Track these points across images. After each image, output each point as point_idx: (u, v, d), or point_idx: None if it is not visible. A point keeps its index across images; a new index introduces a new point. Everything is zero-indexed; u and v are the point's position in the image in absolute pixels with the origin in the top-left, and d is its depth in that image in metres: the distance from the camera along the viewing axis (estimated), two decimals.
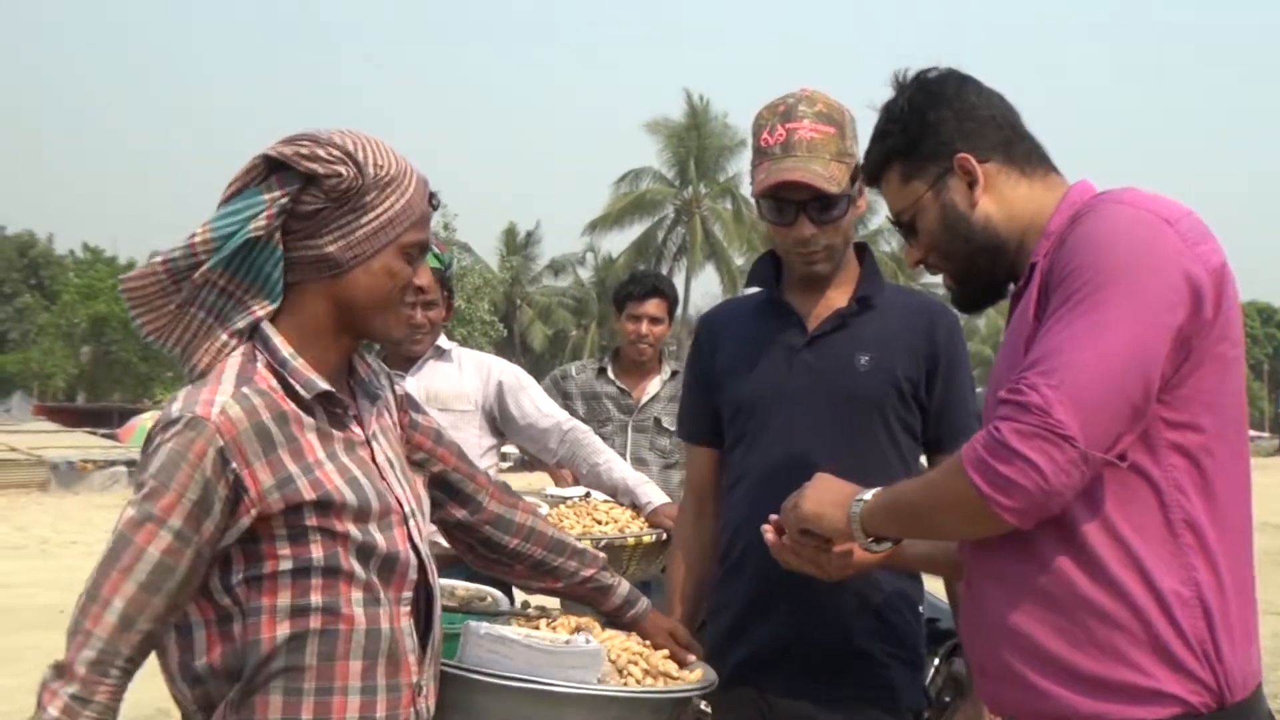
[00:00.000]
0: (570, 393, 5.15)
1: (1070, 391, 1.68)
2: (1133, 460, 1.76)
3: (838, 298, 2.63)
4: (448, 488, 2.23)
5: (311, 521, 1.83)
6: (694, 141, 52.43)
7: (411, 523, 1.97)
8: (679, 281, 51.83)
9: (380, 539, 1.89)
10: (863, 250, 2.71)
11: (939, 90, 2.02)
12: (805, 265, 2.59)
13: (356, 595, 1.86)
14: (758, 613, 2.58)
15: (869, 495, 2.01)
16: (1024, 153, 2.00)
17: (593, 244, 58.66)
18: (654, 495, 3.50)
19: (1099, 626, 1.76)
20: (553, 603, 2.69)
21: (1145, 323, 1.71)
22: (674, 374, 5.19)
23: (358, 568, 1.86)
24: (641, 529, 3.37)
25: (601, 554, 2.38)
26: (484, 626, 2.10)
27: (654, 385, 5.17)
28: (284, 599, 1.82)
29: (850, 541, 2.09)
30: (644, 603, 2.42)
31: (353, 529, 1.86)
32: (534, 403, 3.96)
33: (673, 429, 5.03)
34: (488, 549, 2.30)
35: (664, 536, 3.30)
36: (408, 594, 1.95)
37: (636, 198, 53.13)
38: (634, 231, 53.93)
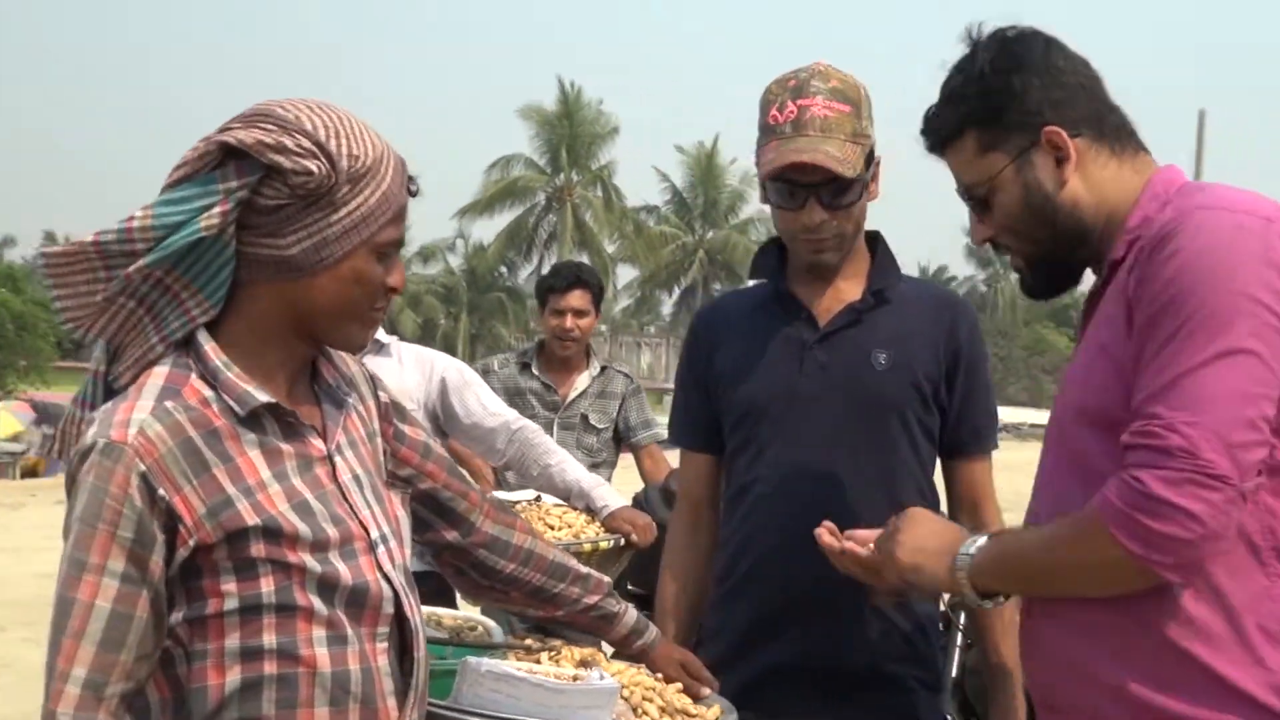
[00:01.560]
0: (492, 389, 4.88)
1: (1214, 426, 1.53)
2: None
3: (849, 290, 2.42)
4: (437, 507, 1.98)
5: (259, 551, 1.58)
6: (566, 129, 52.16)
7: (381, 550, 1.71)
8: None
9: (343, 569, 1.64)
10: (875, 239, 2.50)
11: (1024, 52, 1.81)
12: (812, 254, 2.37)
13: (318, 633, 1.62)
14: (765, 635, 2.37)
15: (975, 548, 1.80)
16: (1114, 127, 1.82)
17: (462, 230, 57.98)
18: (611, 498, 3.28)
19: (1170, 660, 1.63)
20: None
21: (1269, 339, 1.56)
22: (603, 369, 5.00)
23: (317, 602, 1.61)
24: (598, 534, 3.16)
25: (606, 578, 2.16)
26: (484, 662, 1.86)
27: (581, 381, 4.94)
28: (232, 641, 1.58)
29: (975, 601, 1.84)
30: (653, 631, 2.20)
31: (308, 559, 1.61)
32: (480, 400, 3.71)
33: (601, 426, 4.86)
34: (481, 574, 2.06)
35: (622, 542, 3.11)
36: (383, 629, 1.70)
37: (508, 185, 52.64)
38: (505, 218, 53.56)
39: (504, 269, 56.95)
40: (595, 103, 53.26)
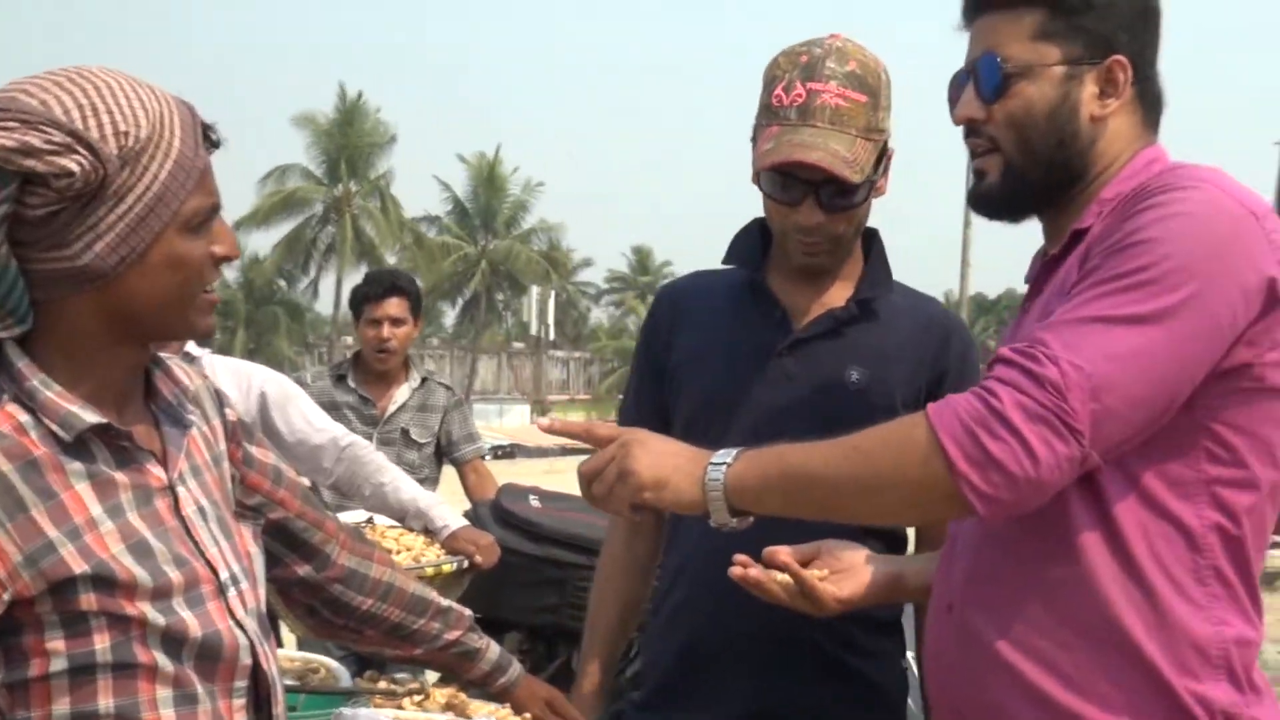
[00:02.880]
0: None
1: (1096, 380, 1.40)
2: (1165, 505, 1.51)
3: (834, 293, 2.16)
4: (289, 539, 1.75)
5: (89, 603, 1.34)
6: (344, 137, 51.03)
7: (232, 593, 1.49)
8: (328, 283, 50.56)
9: (190, 618, 1.41)
10: (871, 237, 2.22)
11: None
12: (803, 256, 2.11)
13: (163, 693, 1.39)
14: (702, 672, 2.12)
15: (734, 457, 1.61)
16: (1154, 96, 1.68)
17: (238, 243, 56.12)
18: (451, 517, 3.07)
19: (1109, 674, 1.51)
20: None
21: (1202, 331, 1.44)
22: (423, 381, 4.73)
23: (161, 658, 1.38)
24: (439, 556, 2.96)
25: (467, 611, 1.97)
26: (361, 713, 1.66)
27: (401, 393, 4.67)
28: (61, 707, 1.35)
29: (724, 518, 1.63)
30: (516, 668, 2.01)
31: (149, 610, 1.37)
32: (304, 415, 3.42)
33: (422, 441, 4.62)
34: (334, 612, 1.83)
35: (465, 564, 2.92)
36: (240, 683, 1.48)
37: (285, 196, 51.15)
38: (281, 230, 52.04)
39: (282, 282, 55.36)
40: (374, 111, 52.36)
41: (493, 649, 1.98)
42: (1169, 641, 1.50)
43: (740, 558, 1.81)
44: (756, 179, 2.12)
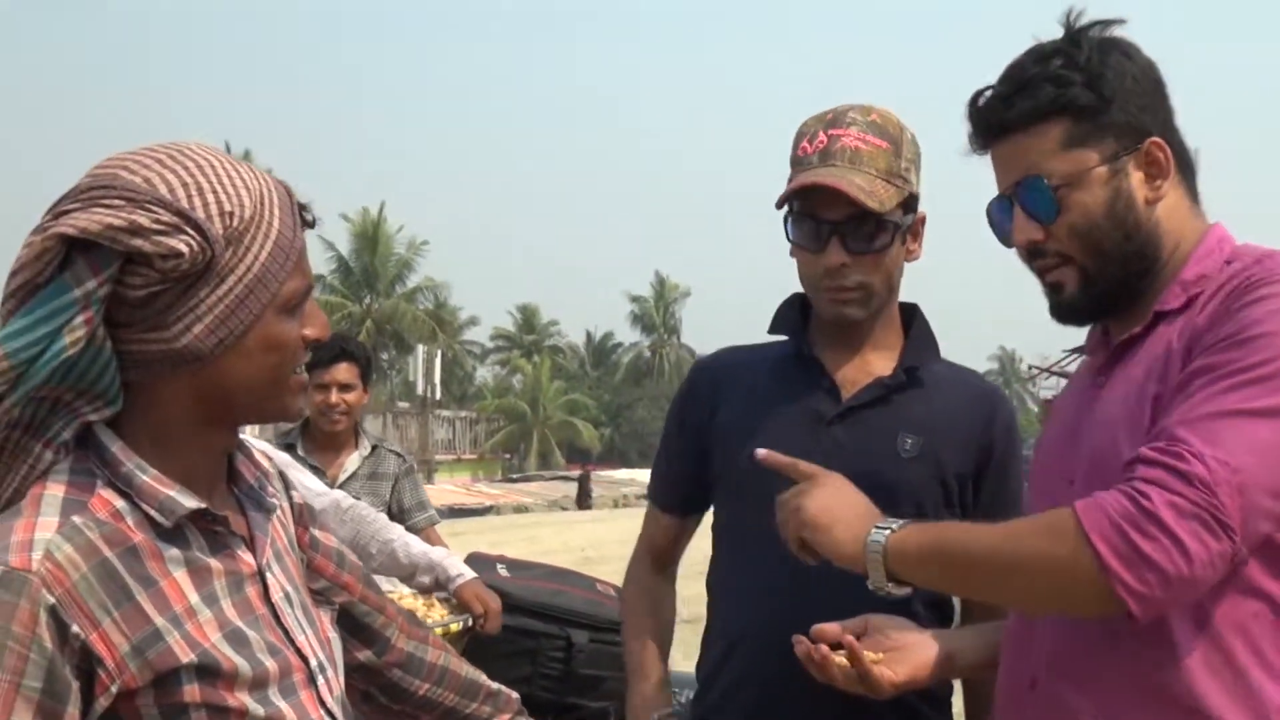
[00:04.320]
0: None
1: (1243, 475, 1.42)
2: (1254, 581, 1.53)
3: (879, 362, 2.16)
4: (352, 623, 1.72)
5: (192, 695, 1.30)
6: None
7: (320, 681, 1.47)
8: None
9: (286, 709, 1.38)
10: (913, 312, 2.24)
11: (1134, 54, 1.68)
12: (834, 305, 2.11)
13: None
14: None
15: (899, 525, 1.66)
16: (1188, 162, 1.72)
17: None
18: (464, 569, 3.10)
19: None
20: None
21: None
22: (374, 449, 4.66)
23: None
24: (443, 617, 2.99)
25: (515, 694, 1.94)
26: None
27: (351, 461, 4.60)
28: None
29: (881, 582, 1.67)
30: None
31: (249, 701, 1.34)
32: (302, 482, 3.32)
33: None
34: (391, 698, 1.80)
35: (469, 622, 2.93)
36: None
37: None
38: None
39: None
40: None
41: None
42: (1254, 716, 1.53)
43: (800, 637, 1.83)
44: (787, 233, 2.14)
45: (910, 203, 2.10)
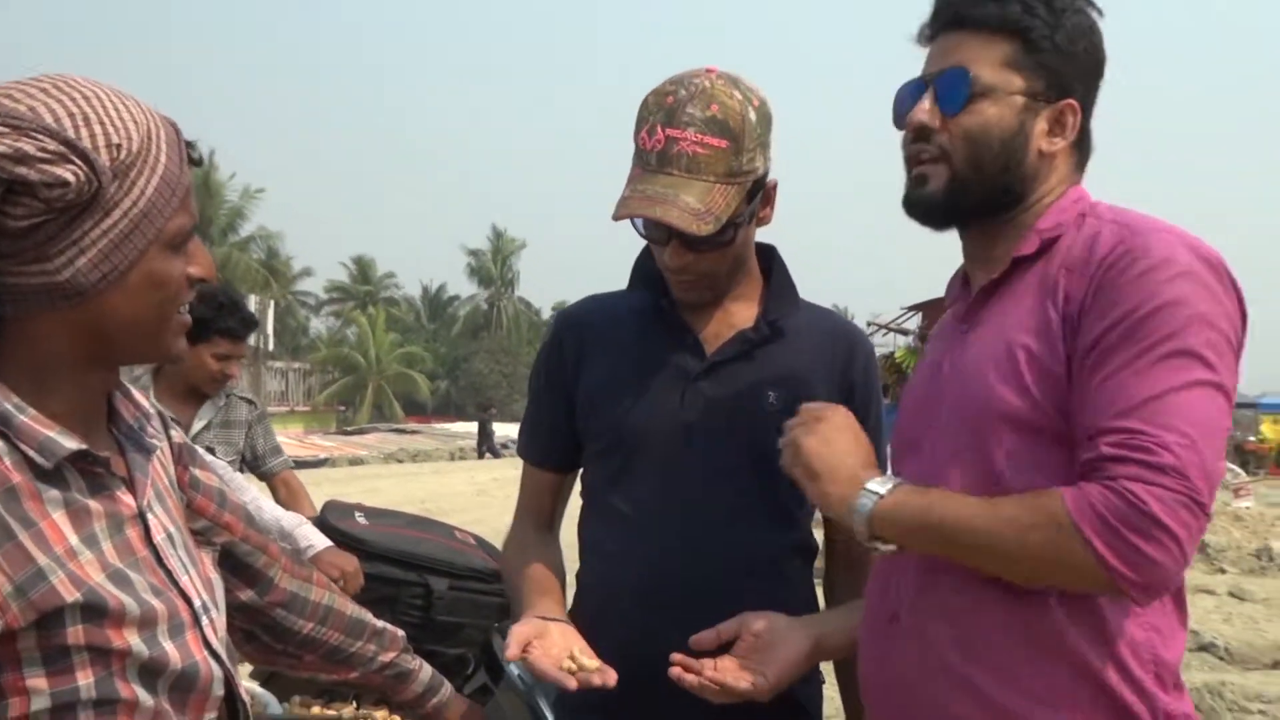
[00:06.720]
0: None
1: (1201, 454, 1.50)
2: None
3: (739, 313, 2.18)
4: (234, 563, 1.69)
5: (75, 637, 1.28)
6: None
7: (204, 621, 1.44)
8: None
9: (171, 650, 1.36)
10: (770, 256, 2.23)
11: (1095, 34, 1.76)
12: (682, 293, 2.15)
13: None
14: (628, 711, 2.05)
15: (887, 490, 1.70)
16: (1089, 144, 1.81)
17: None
18: (315, 538, 2.99)
19: (1073, 685, 1.63)
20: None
21: (1232, 379, 1.58)
22: (226, 397, 4.51)
23: (141, 693, 1.33)
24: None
25: (400, 631, 1.94)
26: None
27: (205, 411, 4.43)
28: None
29: (867, 543, 1.73)
30: (447, 688, 1.98)
31: (135, 641, 1.32)
32: None
33: (228, 459, 4.39)
34: (274, 637, 1.78)
35: None
36: (210, 715, 1.43)
37: None
38: None
39: None
40: None
41: (425, 670, 1.95)
42: (1111, 655, 1.63)
43: (678, 657, 1.88)
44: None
45: (756, 184, 2.07)
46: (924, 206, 1.79)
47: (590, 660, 1.90)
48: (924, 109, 1.76)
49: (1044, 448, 1.63)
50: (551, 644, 1.93)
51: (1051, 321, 1.66)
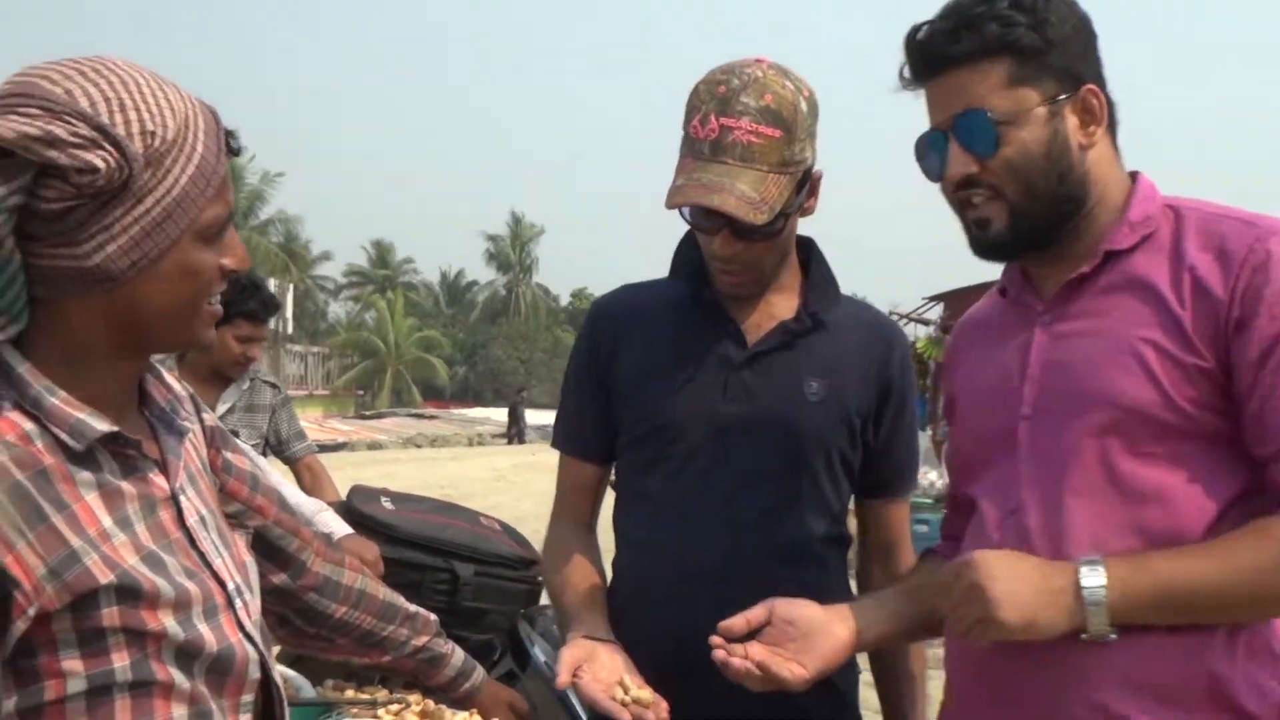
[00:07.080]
0: None
1: None
2: None
3: (780, 305, 2.16)
4: (267, 547, 1.69)
5: (110, 619, 1.27)
6: None
7: (238, 604, 1.43)
8: None
9: (206, 632, 1.35)
10: (809, 249, 2.22)
11: (1073, 3, 1.72)
12: (727, 284, 2.13)
13: (179, 712, 1.33)
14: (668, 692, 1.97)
15: (1104, 577, 1.60)
16: (1115, 116, 1.76)
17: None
18: (336, 525, 2.97)
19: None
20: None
21: None
22: (250, 380, 4.50)
23: (177, 675, 1.32)
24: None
25: (433, 615, 1.93)
26: None
27: (229, 394, 4.43)
28: None
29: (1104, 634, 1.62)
30: (479, 673, 1.97)
31: (170, 623, 1.31)
32: None
33: (252, 442, 4.39)
34: (307, 621, 1.78)
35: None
36: (248, 697, 1.43)
37: None
38: None
39: None
40: None
41: (457, 654, 1.95)
42: None
43: (719, 640, 1.83)
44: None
45: (806, 175, 2.07)
46: (996, 248, 1.76)
47: (642, 691, 1.87)
48: (959, 160, 1.72)
49: (1173, 442, 1.62)
50: (601, 668, 1.91)
51: (1181, 319, 1.63)
